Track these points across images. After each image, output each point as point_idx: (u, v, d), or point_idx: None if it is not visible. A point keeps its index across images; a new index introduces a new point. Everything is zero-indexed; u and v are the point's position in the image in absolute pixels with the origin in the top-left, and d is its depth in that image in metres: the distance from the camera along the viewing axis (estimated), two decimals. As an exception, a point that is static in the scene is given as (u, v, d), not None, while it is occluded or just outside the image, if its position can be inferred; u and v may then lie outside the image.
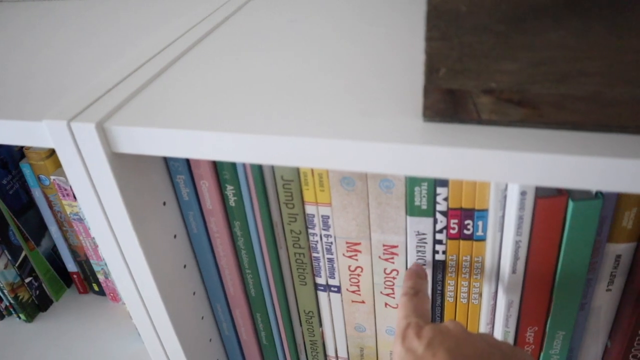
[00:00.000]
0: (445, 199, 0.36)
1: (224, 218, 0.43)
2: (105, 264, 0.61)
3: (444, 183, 0.36)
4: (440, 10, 0.26)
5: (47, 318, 0.65)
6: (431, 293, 0.42)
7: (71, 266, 0.65)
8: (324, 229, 0.41)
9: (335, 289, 0.45)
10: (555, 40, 0.25)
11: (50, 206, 0.59)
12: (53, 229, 0.61)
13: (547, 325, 0.40)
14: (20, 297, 0.62)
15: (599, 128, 0.27)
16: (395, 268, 0.42)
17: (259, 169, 0.39)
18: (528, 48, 0.25)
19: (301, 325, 0.49)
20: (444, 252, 0.39)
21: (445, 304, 0.42)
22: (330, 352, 0.50)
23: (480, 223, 0.37)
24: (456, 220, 0.37)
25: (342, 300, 0.46)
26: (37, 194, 0.59)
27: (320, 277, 0.45)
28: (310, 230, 0.42)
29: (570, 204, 0.33)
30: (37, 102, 0.38)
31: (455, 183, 0.36)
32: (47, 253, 0.64)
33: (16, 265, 0.60)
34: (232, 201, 0.42)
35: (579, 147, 0.26)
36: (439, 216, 0.37)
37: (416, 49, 0.38)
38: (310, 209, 0.40)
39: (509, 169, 0.27)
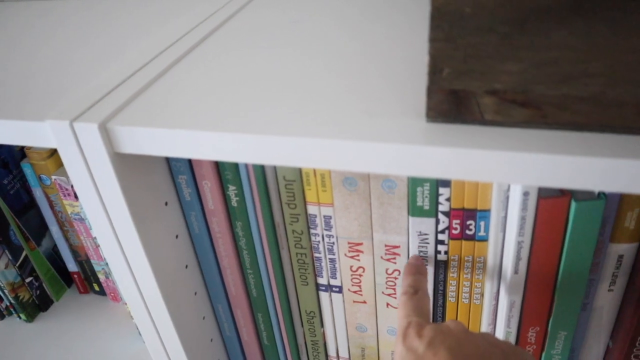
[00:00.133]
0: (448, 199, 0.36)
1: (225, 218, 0.43)
2: (106, 264, 0.61)
3: (446, 183, 0.36)
4: (444, 11, 0.26)
5: (47, 318, 0.65)
6: (433, 293, 0.42)
7: (72, 266, 0.64)
8: (326, 229, 0.41)
9: (337, 289, 0.45)
10: (558, 41, 0.25)
11: (51, 206, 0.59)
12: (54, 228, 0.61)
13: (549, 326, 0.40)
14: (21, 297, 0.62)
15: (602, 129, 0.27)
16: (397, 268, 0.42)
17: (261, 169, 0.39)
18: (531, 49, 0.25)
19: (302, 325, 0.49)
20: (445, 253, 0.39)
21: (447, 304, 0.42)
22: (332, 352, 0.50)
23: (482, 223, 0.37)
24: (458, 221, 0.37)
25: (343, 301, 0.46)
26: (38, 193, 0.59)
27: (322, 277, 0.45)
28: (312, 231, 0.42)
29: (573, 205, 0.33)
30: (38, 102, 0.38)
31: (457, 183, 0.36)
32: (47, 253, 0.64)
33: (17, 265, 0.60)
34: (234, 201, 0.42)
35: (582, 147, 0.26)
36: (441, 216, 0.37)
37: (419, 49, 0.38)
38: (312, 209, 0.40)
39: (512, 170, 0.27)
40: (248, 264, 0.46)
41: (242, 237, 0.44)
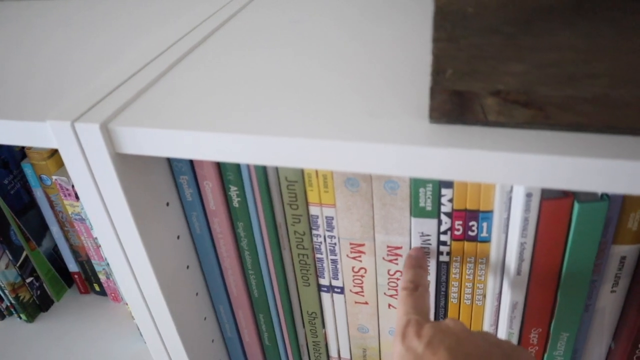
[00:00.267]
0: (450, 200, 0.36)
1: (227, 219, 0.43)
2: (107, 264, 0.61)
3: (448, 184, 0.36)
4: (447, 11, 0.26)
5: (48, 318, 0.65)
6: (435, 294, 0.42)
7: (72, 266, 0.64)
8: (327, 230, 0.41)
9: (339, 290, 0.45)
10: (562, 42, 0.25)
11: (52, 206, 0.59)
12: (54, 229, 0.61)
13: (551, 327, 0.40)
14: (21, 297, 0.62)
15: (605, 130, 0.27)
16: (399, 269, 0.42)
17: (262, 170, 0.39)
18: (535, 50, 0.25)
19: (304, 326, 0.49)
20: (448, 254, 0.39)
21: (449, 305, 0.42)
22: (333, 353, 0.50)
23: (484, 224, 0.37)
24: (460, 222, 0.37)
25: (345, 302, 0.46)
26: (38, 193, 0.59)
27: (324, 278, 0.45)
28: (314, 231, 0.42)
29: (576, 206, 0.33)
30: (39, 102, 0.38)
31: (460, 184, 0.35)
32: (48, 253, 0.64)
33: (17, 265, 0.60)
34: (235, 202, 0.42)
35: (585, 148, 0.26)
36: (443, 217, 0.37)
37: (422, 49, 0.38)
38: (314, 210, 0.40)
39: (515, 171, 0.27)
40: (249, 265, 0.46)
41: (243, 237, 0.44)
